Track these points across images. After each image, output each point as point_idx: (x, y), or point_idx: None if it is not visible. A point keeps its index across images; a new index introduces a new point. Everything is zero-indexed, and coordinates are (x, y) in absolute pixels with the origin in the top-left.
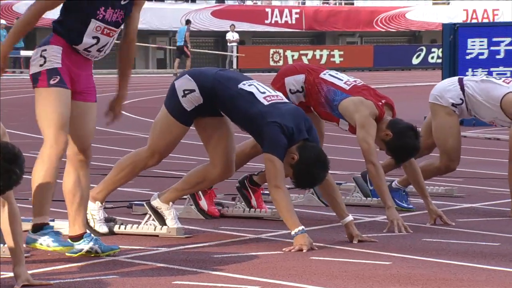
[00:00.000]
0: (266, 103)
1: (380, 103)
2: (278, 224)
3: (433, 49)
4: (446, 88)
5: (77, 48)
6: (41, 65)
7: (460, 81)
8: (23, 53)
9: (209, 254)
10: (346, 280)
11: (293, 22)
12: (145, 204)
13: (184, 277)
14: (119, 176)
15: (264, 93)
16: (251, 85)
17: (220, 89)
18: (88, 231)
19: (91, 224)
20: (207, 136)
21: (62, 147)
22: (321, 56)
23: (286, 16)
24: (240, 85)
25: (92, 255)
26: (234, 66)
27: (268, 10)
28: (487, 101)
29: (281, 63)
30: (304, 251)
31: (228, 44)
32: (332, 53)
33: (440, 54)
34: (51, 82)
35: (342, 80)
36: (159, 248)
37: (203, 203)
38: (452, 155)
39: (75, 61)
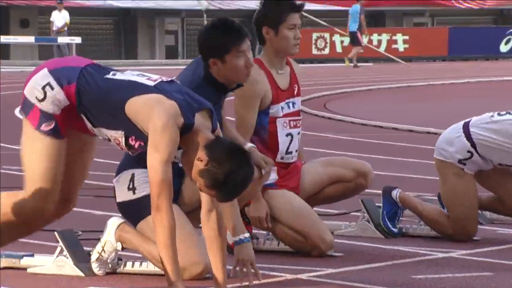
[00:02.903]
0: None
1: None
2: (321, 261)
3: None
4: (450, 139)
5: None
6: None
7: (466, 128)
8: None
9: None
10: None
11: None
12: None
13: None
14: (150, 257)
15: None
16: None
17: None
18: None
19: (92, 259)
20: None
21: None
22: (379, 41)
23: None
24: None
25: None
26: None
27: None
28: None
29: (326, 51)
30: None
31: None
32: (394, 37)
33: None
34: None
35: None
36: None
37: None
38: (465, 224)
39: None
